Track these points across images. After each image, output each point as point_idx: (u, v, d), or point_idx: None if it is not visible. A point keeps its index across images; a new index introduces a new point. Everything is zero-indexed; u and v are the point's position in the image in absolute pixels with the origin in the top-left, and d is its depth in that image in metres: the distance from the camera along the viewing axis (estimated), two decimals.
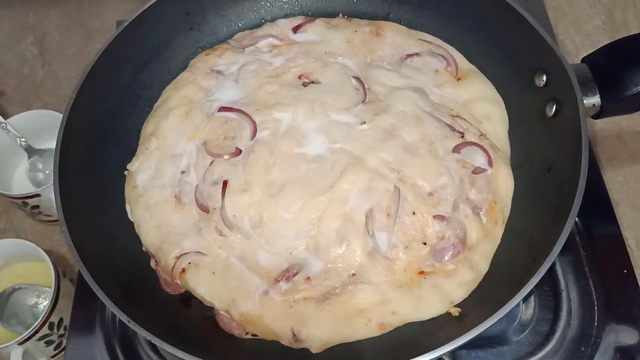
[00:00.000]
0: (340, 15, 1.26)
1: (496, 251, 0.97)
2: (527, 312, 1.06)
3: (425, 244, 0.95)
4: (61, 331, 1.15)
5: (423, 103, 1.06)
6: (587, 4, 1.61)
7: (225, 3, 1.25)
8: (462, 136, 1.04)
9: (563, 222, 0.84)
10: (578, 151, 0.89)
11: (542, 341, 1.03)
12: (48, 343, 1.14)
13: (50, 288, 1.11)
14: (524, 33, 1.02)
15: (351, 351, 0.91)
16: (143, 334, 0.82)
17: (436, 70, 1.14)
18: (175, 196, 1.03)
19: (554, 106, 0.99)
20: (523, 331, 1.04)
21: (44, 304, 1.16)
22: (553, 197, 0.93)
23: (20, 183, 1.38)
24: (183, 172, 1.05)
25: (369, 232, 0.95)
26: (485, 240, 0.97)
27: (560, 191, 0.91)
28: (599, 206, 1.17)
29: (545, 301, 1.07)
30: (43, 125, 1.35)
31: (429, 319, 0.92)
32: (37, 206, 1.28)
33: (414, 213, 0.96)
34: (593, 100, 0.96)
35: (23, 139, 1.33)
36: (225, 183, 1.01)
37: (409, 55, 1.15)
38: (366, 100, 1.07)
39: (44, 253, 1.14)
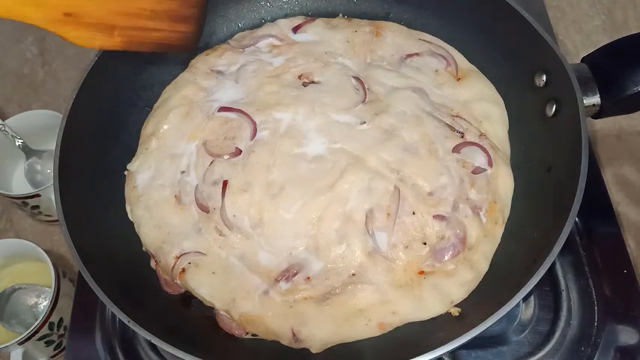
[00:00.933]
0: (340, 15, 1.26)
1: (496, 251, 0.97)
2: (527, 312, 1.06)
3: (425, 244, 0.95)
4: (61, 331, 1.15)
5: (423, 103, 1.06)
6: (587, 4, 1.62)
7: (225, 3, 1.25)
8: (462, 136, 1.04)
9: (563, 222, 0.84)
10: (578, 151, 0.89)
11: (542, 341, 1.03)
12: (48, 343, 1.14)
13: (50, 288, 1.11)
14: (525, 33, 1.02)
15: (351, 351, 0.91)
16: (143, 334, 0.82)
17: (436, 70, 1.14)
18: (175, 196, 1.03)
19: (554, 106, 0.99)
20: (523, 331, 1.04)
21: (44, 304, 1.16)
22: (553, 197, 0.93)
23: (20, 183, 1.38)
24: (183, 172, 1.05)
25: (369, 232, 0.95)
26: (485, 240, 0.97)
27: (560, 191, 0.91)
28: (599, 206, 1.18)
29: (545, 301, 1.07)
30: (43, 125, 1.35)
31: (429, 319, 0.92)
32: (37, 206, 1.28)
33: (414, 213, 0.96)
34: (593, 100, 0.96)
35: (21, 140, 1.33)
36: (225, 183, 1.01)
37: (409, 55, 1.15)
38: (366, 100, 1.07)
39: (44, 253, 1.15)
